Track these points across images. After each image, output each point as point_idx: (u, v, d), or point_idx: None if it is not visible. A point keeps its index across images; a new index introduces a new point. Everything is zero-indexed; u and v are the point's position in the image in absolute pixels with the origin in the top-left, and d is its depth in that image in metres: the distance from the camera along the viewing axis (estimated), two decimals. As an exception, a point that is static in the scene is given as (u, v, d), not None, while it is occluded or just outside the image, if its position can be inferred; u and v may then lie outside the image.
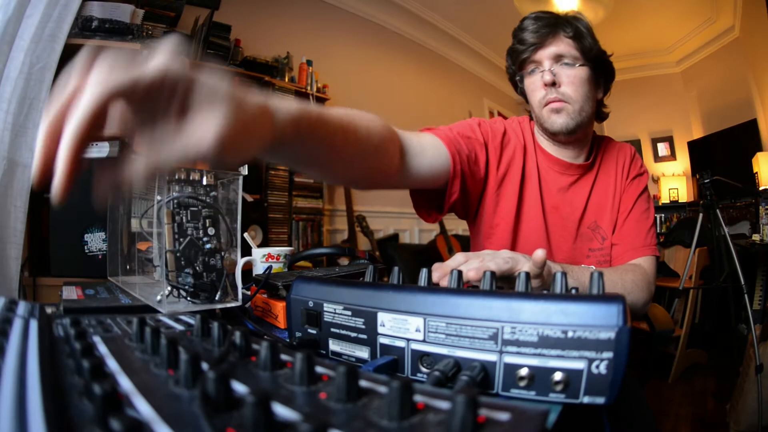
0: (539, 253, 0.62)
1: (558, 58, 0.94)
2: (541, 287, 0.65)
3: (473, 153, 0.92)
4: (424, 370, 0.43)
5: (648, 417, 0.96)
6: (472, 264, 0.64)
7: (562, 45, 0.93)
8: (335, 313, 0.49)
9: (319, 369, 0.32)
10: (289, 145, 0.49)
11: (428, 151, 0.82)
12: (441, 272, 0.60)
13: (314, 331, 0.52)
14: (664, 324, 2.97)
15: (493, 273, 0.48)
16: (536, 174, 1.01)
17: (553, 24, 0.93)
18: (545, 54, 0.94)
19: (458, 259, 0.66)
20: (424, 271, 0.49)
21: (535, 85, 0.97)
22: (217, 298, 0.67)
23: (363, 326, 0.47)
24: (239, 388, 0.29)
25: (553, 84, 0.93)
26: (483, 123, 0.99)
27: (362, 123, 0.63)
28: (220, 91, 0.38)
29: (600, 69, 0.97)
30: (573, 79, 0.93)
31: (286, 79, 3.17)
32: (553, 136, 0.98)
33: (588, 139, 1.04)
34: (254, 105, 0.41)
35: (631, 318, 0.86)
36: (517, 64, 1.00)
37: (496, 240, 1.00)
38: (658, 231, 5.19)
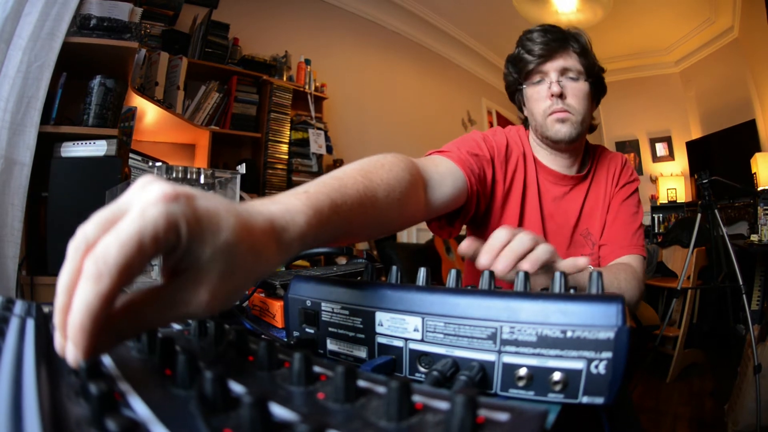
0: (581, 261, 0.62)
1: (564, 72, 0.97)
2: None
3: (482, 171, 0.93)
4: (422, 369, 0.43)
5: (630, 415, 0.97)
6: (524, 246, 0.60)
7: (570, 60, 0.97)
8: (333, 312, 0.49)
9: (316, 369, 0.32)
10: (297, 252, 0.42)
11: (447, 179, 0.81)
12: (490, 256, 0.59)
13: (312, 331, 0.52)
14: (650, 320, 2.98)
15: (491, 273, 0.48)
16: (535, 183, 1.03)
17: (562, 39, 0.97)
18: (553, 66, 0.97)
19: (501, 236, 0.62)
20: (422, 271, 0.49)
21: (540, 94, 0.99)
22: (215, 298, 0.67)
23: (361, 326, 0.47)
24: (236, 388, 0.29)
25: (560, 95, 0.96)
26: (487, 138, 1.00)
27: (382, 180, 0.56)
28: (219, 246, 0.31)
29: (597, 85, 1.02)
30: (577, 92, 0.97)
31: (284, 78, 3.17)
32: (554, 144, 1.00)
33: (581, 149, 1.07)
34: (257, 248, 0.34)
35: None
36: (523, 73, 1.01)
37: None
38: (657, 231, 5.20)
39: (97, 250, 0.28)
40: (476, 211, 0.94)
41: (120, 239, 0.28)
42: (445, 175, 0.80)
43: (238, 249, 0.32)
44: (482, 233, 1.04)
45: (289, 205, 0.40)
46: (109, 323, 0.30)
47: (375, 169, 0.56)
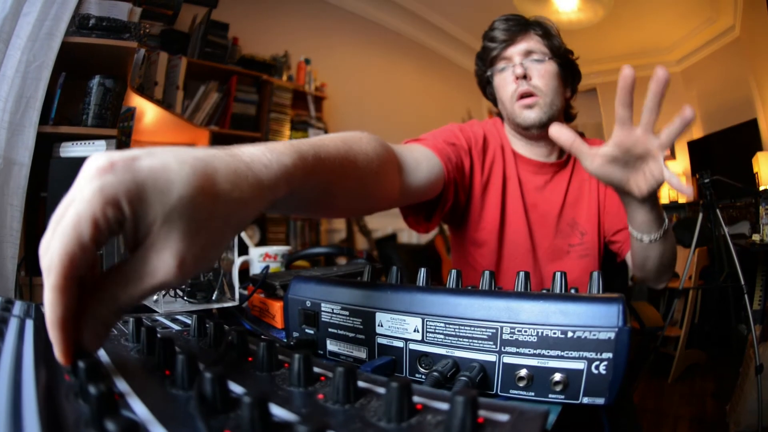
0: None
1: (528, 54, 0.97)
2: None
3: (459, 160, 0.93)
4: (422, 370, 0.43)
5: (631, 413, 0.97)
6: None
7: (532, 42, 0.97)
8: (333, 313, 0.49)
9: (316, 369, 0.32)
10: (282, 202, 0.40)
11: (422, 164, 0.80)
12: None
13: (312, 332, 0.52)
14: (653, 321, 2.97)
15: (491, 273, 0.48)
16: (515, 174, 1.03)
17: (524, 23, 0.97)
18: (516, 50, 0.97)
19: None
20: (422, 271, 0.49)
21: (506, 80, 0.99)
22: (214, 298, 0.67)
23: (361, 326, 0.47)
24: (236, 389, 0.29)
25: (525, 77, 0.95)
26: (464, 128, 1.01)
27: (361, 149, 0.56)
28: (172, 205, 0.29)
29: (567, 67, 1.01)
30: (543, 73, 0.96)
31: (284, 78, 3.16)
32: (525, 130, 1.00)
33: None
34: (225, 194, 0.32)
35: (669, 274, 0.88)
36: (488, 62, 1.02)
37: (481, 240, 1.02)
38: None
39: (48, 246, 0.28)
40: (455, 202, 0.93)
41: (60, 230, 0.28)
42: (420, 160, 0.79)
43: (197, 201, 0.30)
44: (463, 230, 1.04)
45: (272, 147, 0.38)
46: (87, 311, 0.30)
47: (354, 140, 0.56)
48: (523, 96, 0.96)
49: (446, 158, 0.87)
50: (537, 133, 0.99)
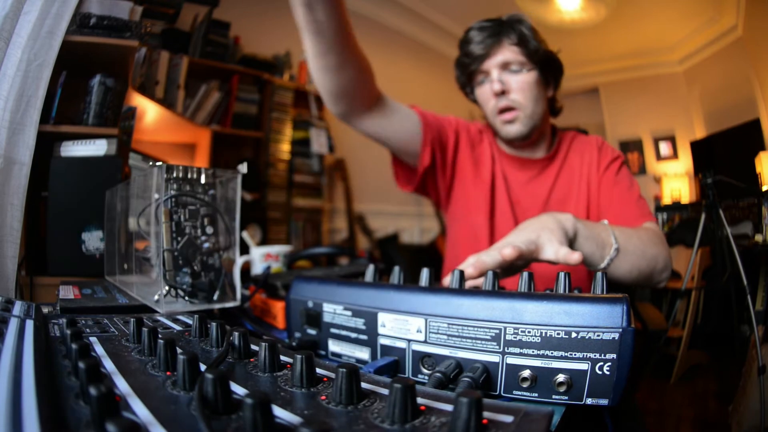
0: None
1: (505, 66, 0.96)
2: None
3: (444, 130, 1.00)
4: (425, 371, 0.43)
5: (634, 414, 0.97)
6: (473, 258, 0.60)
7: (508, 53, 0.95)
8: (335, 313, 0.49)
9: (319, 371, 0.31)
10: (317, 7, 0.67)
11: (402, 111, 0.96)
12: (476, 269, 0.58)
13: (314, 332, 0.51)
14: (657, 323, 2.96)
15: (495, 273, 0.47)
16: (502, 171, 1.06)
17: (497, 33, 0.95)
18: (492, 63, 0.96)
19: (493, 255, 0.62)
20: (425, 271, 0.49)
21: (486, 95, 0.99)
22: (215, 298, 0.67)
23: (363, 327, 0.46)
24: (238, 390, 0.28)
25: (503, 92, 0.95)
26: (459, 120, 1.08)
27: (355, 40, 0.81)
28: None
29: (548, 68, 0.99)
30: (522, 85, 0.95)
31: (286, 77, 3.16)
32: (508, 142, 1.03)
33: (545, 135, 1.06)
34: None
35: (664, 274, 0.87)
36: (466, 75, 1.02)
37: (473, 236, 1.05)
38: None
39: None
40: (434, 166, 1.01)
41: None
42: (400, 109, 0.96)
43: None
44: (456, 225, 1.10)
45: None
46: None
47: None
48: (503, 111, 0.96)
49: (426, 121, 0.97)
50: (520, 144, 1.02)
